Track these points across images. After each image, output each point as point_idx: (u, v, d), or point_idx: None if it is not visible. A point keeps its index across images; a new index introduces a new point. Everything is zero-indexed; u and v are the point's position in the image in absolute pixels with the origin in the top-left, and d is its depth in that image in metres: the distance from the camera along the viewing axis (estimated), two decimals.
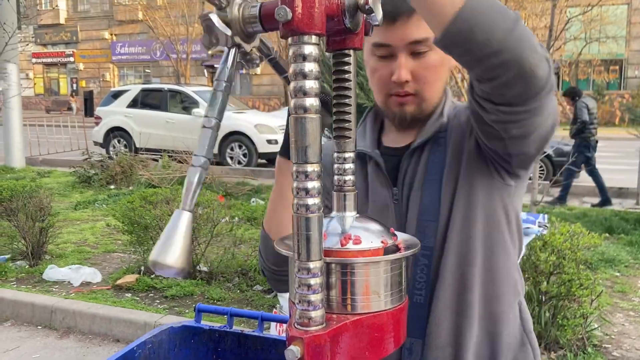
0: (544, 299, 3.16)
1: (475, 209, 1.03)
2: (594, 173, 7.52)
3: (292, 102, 0.64)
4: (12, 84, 9.23)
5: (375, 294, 0.72)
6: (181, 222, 0.65)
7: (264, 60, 0.83)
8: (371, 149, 1.13)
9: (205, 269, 4.35)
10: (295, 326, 0.67)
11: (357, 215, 0.79)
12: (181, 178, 8.13)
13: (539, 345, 3.28)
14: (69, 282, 4.29)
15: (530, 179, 8.04)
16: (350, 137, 0.79)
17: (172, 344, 1.72)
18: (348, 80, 0.78)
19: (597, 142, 7.70)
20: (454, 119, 1.08)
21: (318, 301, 0.66)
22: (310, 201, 0.65)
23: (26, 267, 4.55)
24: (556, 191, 8.67)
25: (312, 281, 0.66)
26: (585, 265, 3.12)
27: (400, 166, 1.08)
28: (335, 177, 0.79)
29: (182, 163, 8.43)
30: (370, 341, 0.71)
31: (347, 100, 0.78)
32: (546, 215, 3.32)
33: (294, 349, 0.64)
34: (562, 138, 7.92)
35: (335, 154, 0.79)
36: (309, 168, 0.65)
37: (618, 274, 4.57)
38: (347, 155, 0.79)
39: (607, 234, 5.70)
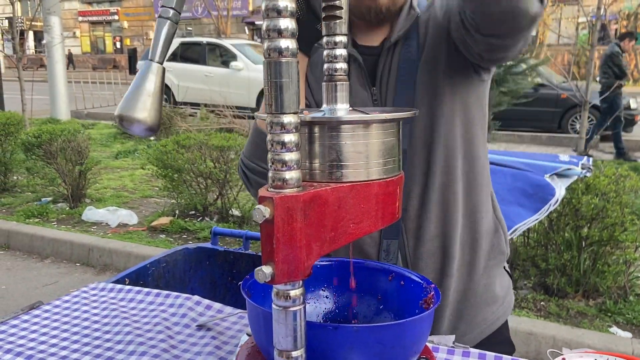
0: (584, 245, 3.00)
1: (456, 107, 1.04)
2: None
3: None
4: (55, 37, 9.37)
5: (364, 161, 0.64)
6: (151, 74, 0.60)
7: None
8: (350, 48, 1.07)
9: (237, 213, 4.36)
10: (267, 189, 0.59)
11: (350, 108, 0.70)
12: (219, 129, 8.16)
13: (577, 292, 3.13)
14: (106, 223, 4.40)
15: (577, 132, 7.67)
16: (341, 17, 0.68)
17: (187, 265, 1.70)
18: None
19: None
20: (428, 16, 1.05)
21: (293, 162, 0.58)
22: (283, 43, 0.56)
23: (66, 209, 4.69)
24: (606, 146, 8.27)
25: (287, 138, 0.58)
26: (631, 210, 2.92)
27: (378, 65, 1.05)
28: (325, 66, 0.69)
29: (219, 115, 8.45)
30: (356, 213, 0.63)
31: None
32: (591, 158, 3.12)
33: (262, 208, 0.56)
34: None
35: (325, 38, 0.69)
36: (281, 3, 0.56)
37: None
38: (338, 39, 0.69)
39: None
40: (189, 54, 11.40)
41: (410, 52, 1.03)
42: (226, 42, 11.44)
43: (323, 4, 0.69)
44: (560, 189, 2.93)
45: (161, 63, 0.64)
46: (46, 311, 1.02)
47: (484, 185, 1.10)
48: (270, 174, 0.59)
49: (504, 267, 1.18)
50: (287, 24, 0.56)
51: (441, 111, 1.03)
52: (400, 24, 1.04)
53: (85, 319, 0.98)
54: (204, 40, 11.79)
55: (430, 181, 1.04)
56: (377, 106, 1.05)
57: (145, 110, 0.62)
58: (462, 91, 1.05)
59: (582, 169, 3.05)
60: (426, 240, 1.05)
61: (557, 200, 2.84)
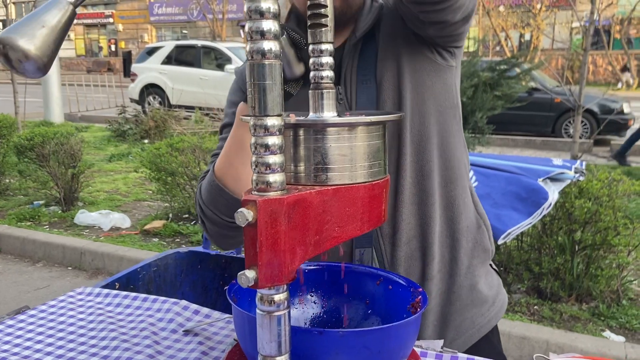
0: (577, 249, 3.01)
1: (424, 94, 0.99)
2: None
3: None
4: None
5: (349, 164, 0.63)
6: (55, 9, 0.52)
7: None
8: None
9: None
10: (251, 193, 0.59)
11: (337, 116, 0.69)
12: (213, 133, 8.15)
13: (570, 296, 3.12)
14: (99, 226, 4.37)
15: (570, 136, 7.68)
16: (327, 25, 0.68)
17: (179, 269, 1.69)
18: None
19: None
20: (386, 6, 1.02)
21: (277, 164, 0.58)
22: (266, 45, 0.56)
23: (59, 212, 4.66)
24: (599, 150, 8.30)
25: (270, 140, 0.57)
26: (624, 214, 2.93)
27: (342, 64, 1.01)
28: (312, 74, 0.69)
29: (213, 118, 8.44)
30: (341, 216, 0.62)
31: None
32: (584, 162, 3.13)
33: (245, 212, 0.56)
34: (605, 93, 7.53)
35: (311, 46, 0.69)
36: (264, 5, 0.55)
37: None
38: (324, 47, 0.68)
39: None
40: (183, 56, 11.39)
41: (371, 48, 1.00)
42: (221, 45, 11.43)
43: (309, 12, 0.68)
44: (553, 192, 2.93)
45: (75, 6, 0.55)
46: (32, 316, 1.00)
47: (461, 179, 1.05)
48: (254, 177, 0.58)
49: (490, 265, 1.14)
50: (270, 25, 0.55)
51: (408, 101, 0.98)
52: (363, 21, 1.00)
53: (71, 324, 0.97)
54: (199, 43, 11.78)
55: (402, 178, 1.00)
56: (343, 105, 1.02)
57: (33, 39, 0.52)
58: (429, 78, 1.00)
59: (575, 172, 3.06)
60: (403, 243, 1.01)
61: (550, 204, 2.85)
